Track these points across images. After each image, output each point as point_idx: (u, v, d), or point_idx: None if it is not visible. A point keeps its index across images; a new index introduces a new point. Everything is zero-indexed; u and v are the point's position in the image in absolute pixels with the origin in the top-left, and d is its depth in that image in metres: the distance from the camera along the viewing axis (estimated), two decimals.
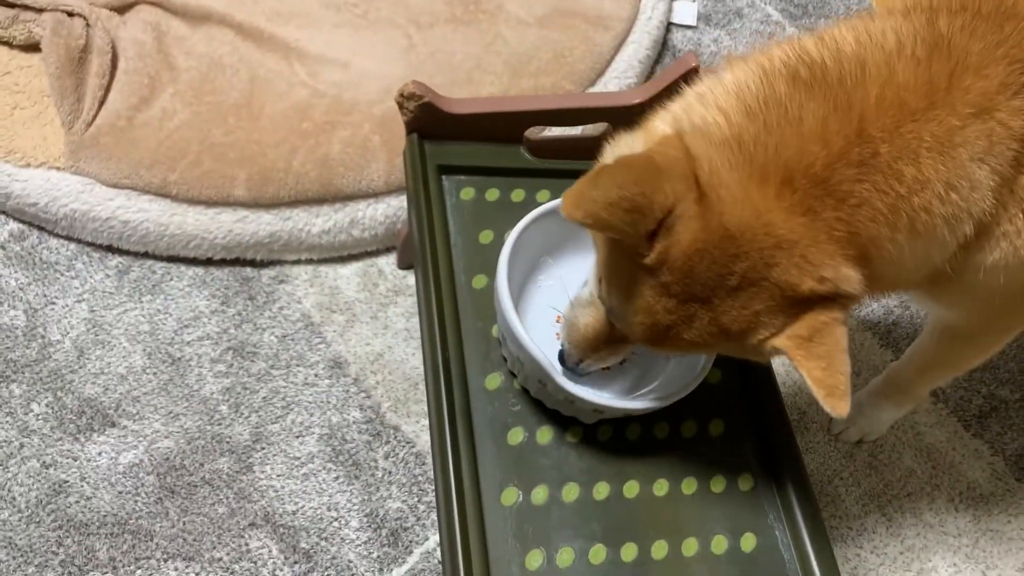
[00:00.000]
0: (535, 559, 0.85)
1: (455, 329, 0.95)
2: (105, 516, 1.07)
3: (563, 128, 1.12)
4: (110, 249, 1.26)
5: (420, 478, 1.13)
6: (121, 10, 1.34)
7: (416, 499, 1.12)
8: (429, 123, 1.05)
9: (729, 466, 0.94)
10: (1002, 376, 1.28)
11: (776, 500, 0.92)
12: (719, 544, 0.89)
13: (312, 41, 1.34)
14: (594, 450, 0.92)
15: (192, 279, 1.25)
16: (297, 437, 1.15)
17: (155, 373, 1.17)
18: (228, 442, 1.14)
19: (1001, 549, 1.14)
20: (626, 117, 1.09)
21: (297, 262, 1.28)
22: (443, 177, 1.06)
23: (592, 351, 0.85)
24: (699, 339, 0.74)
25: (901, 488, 1.17)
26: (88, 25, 1.28)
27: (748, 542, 0.90)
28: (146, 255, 1.26)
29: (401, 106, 1.03)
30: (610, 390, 0.94)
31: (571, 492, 0.89)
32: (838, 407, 0.68)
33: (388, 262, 1.30)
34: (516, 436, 0.91)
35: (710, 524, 0.90)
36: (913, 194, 0.68)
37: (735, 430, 0.96)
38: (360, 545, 1.08)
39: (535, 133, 1.10)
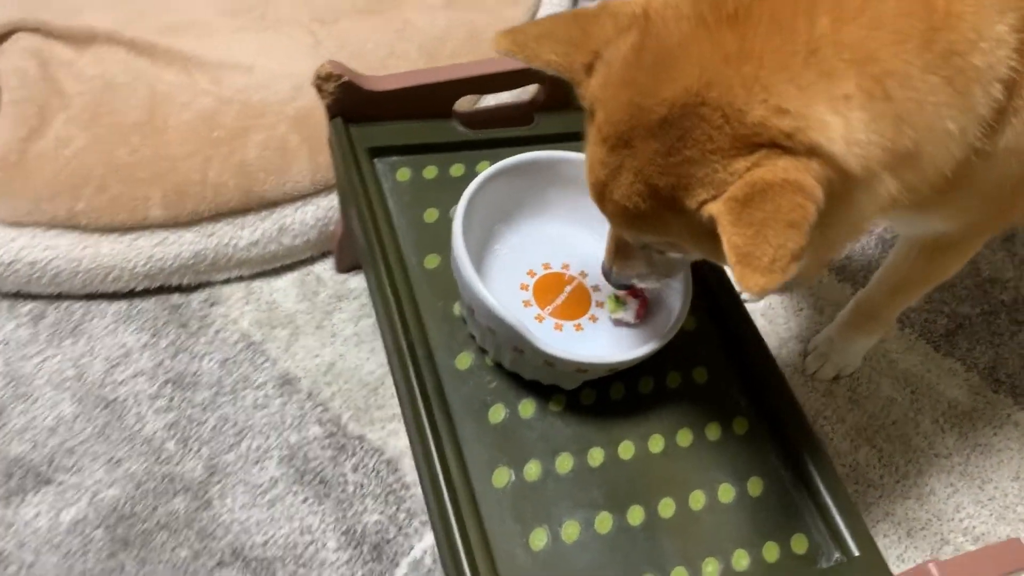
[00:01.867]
0: (539, 538, 0.79)
1: (414, 312, 0.88)
2: None
3: (495, 97, 1.08)
4: (19, 296, 1.15)
5: (395, 486, 1.06)
6: None
7: (394, 508, 1.04)
8: (352, 104, 0.98)
9: (721, 412, 0.89)
10: (960, 294, 1.27)
11: (776, 440, 0.88)
12: (726, 492, 0.84)
13: (211, 49, 1.26)
14: (581, 416, 0.86)
15: (116, 315, 1.16)
16: (255, 463, 1.06)
17: (88, 419, 1.07)
18: (181, 480, 1.04)
19: (992, 462, 1.12)
20: (558, 78, 1.05)
21: (228, 281, 1.19)
22: (375, 160, 0.99)
23: (615, 254, 0.78)
24: (630, 201, 0.64)
25: (885, 418, 1.15)
26: None
27: (755, 486, 0.85)
28: (61, 296, 1.16)
29: (320, 89, 0.97)
30: (588, 351, 0.89)
31: (565, 463, 0.83)
32: (748, 278, 0.55)
33: (326, 268, 1.22)
34: (497, 413, 0.85)
35: (713, 473, 0.85)
36: (947, 28, 0.58)
37: (720, 376, 0.92)
38: (342, 566, 1.00)
39: (466, 106, 1.04)
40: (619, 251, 0.80)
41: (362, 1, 1.35)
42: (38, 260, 1.11)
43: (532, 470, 0.82)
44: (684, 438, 0.87)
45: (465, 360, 0.87)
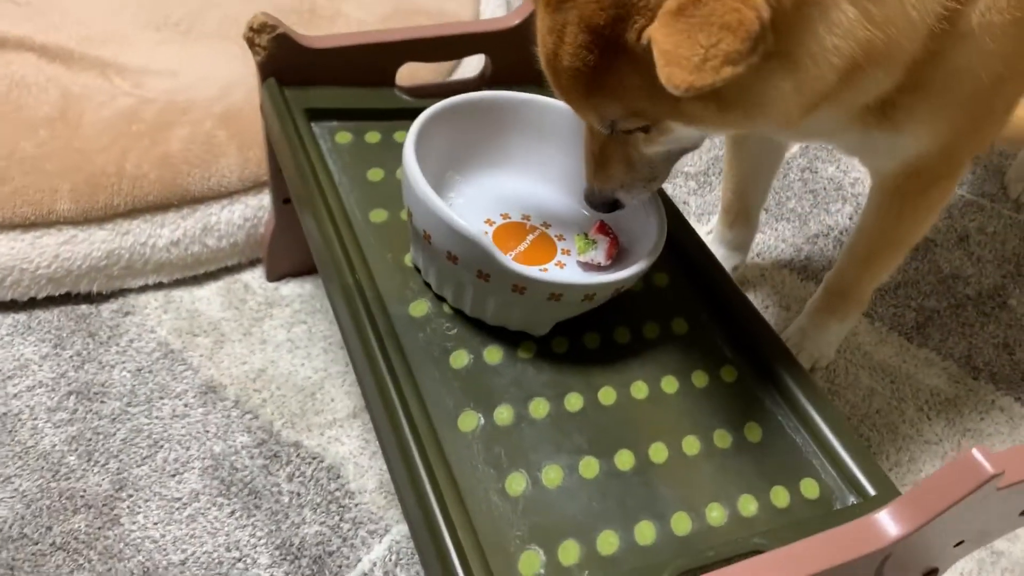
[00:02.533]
0: (517, 482, 0.67)
1: (361, 260, 0.79)
2: None
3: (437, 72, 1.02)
4: None
5: (337, 494, 0.92)
6: None
7: (337, 518, 0.90)
8: (287, 64, 0.91)
9: (706, 360, 0.80)
10: (925, 289, 1.23)
11: (769, 386, 0.79)
12: (722, 438, 0.74)
13: (133, 57, 1.18)
14: (553, 363, 0.76)
15: (12, 327, 1.02)
16: (172, 476, 0.91)
17: None
18: (82, 496, 0.88)
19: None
20: (505, 44, 1.01)
21: (144, 289, 1.07)
22: (312, 124, 0.91)
23: (593, 167, 0.72)
24: (579, 58, 0.61)
25: (868, 407, 1.07)
26: None
27: (753, 432, 0.75)
28: None
29: (251, 43, 0.90)
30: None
31: (539, 407, 0.72)
32: (675, 76, 0.52)
33: (255, 276, 1.11)
34: (460, 359, 0.74)
35: (705, 419, 0.75)
36: None
37: (700, 326, 0.83)
38: None
39: (408, 82, 0.98)
40: (596, 162, 0.74)
41: (295, 17, 1.30)
42: None
43: (503, 414, 0.71)
44: (669, 385, 0.77)
45: (420, 307, 0.77)
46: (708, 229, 1.27)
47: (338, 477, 0.93)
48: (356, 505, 0.91)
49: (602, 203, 0.76)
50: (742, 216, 1.13)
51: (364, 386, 0.72)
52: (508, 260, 0.70)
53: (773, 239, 1.28)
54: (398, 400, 0.68)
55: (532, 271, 0.71)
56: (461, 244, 0.70)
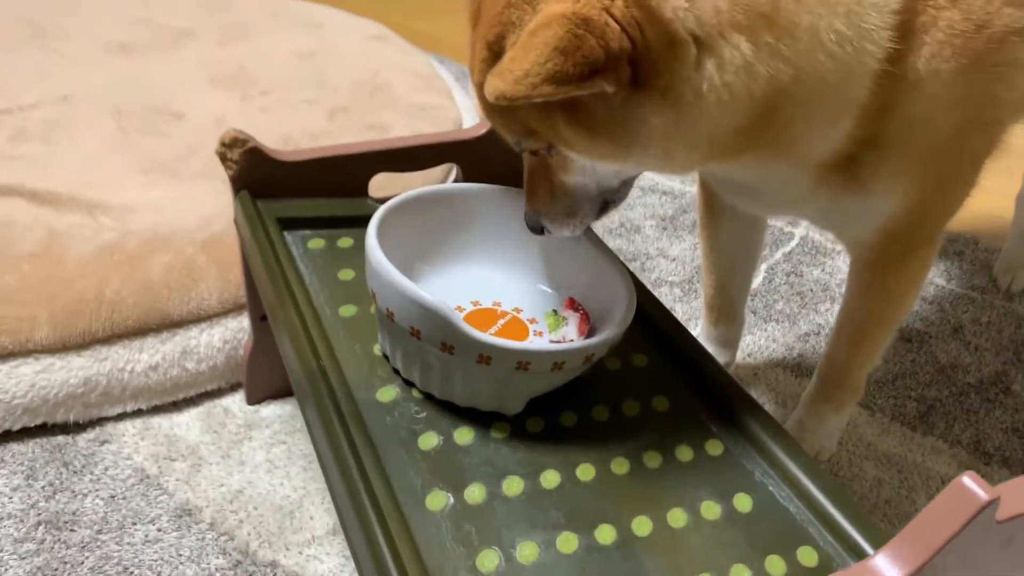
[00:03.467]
0: (488, 560, 0.62)
1: (327, 348, 0.77)
2: None
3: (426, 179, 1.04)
4: None
5: None
6: None
7: None
8: (259, 177, 0.93)
9: (690, 436, 0.77)
10: (924, 380, 1.19)
11: (757, 457, 0.75)
12: (710, 510, 0.70)
13: (118, 198, 1.22)
14: (528, 442, 0.73)
15: None
16: None
17: None
18: None
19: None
20: (472, 153, 1.04)
21: (122, 417, 1.05)
22: (285, 232, 0.93)
23: (526, 188, 0.74)
24: (481, 74, 0.64)
25: (877, 497, 1.02)
26: None
27: (743, 503, 0.71)
28: None
29: (224, 158, 0.92)
30: None
31: (514, 485, 0.69)
32: (490, 83, 0.56)
33: (235, 400, 1.09)
34: (429, 440, 0.71)
35: (691, 491, 0.71)
36: None
37: (682, 403, 0.81)
38: None
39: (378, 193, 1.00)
40: (528, 184, 0.76)
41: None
42: None
43: (475, 493, 0.67)
44: (652, 460, 0.74)
45: (388, 393, 0.75)
46: (696, 333, 1.25)
47: None
48: None
49: (531, 226, 0.78)
50: (726, 311, 1.11)
51: (326, 470, 0.69)
52: (471, 329, 0.69)
53: (764, 339, 1.26)
54: (360, 479, 0.65)
55: (497, 339, 0.69)
56: (423, 316, 0.69)
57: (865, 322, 0.95)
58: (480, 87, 0.66)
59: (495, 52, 0.63)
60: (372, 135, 1.47)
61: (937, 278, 1.40)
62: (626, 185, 0.77)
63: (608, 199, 0.77)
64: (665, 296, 1.33)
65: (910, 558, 0.54)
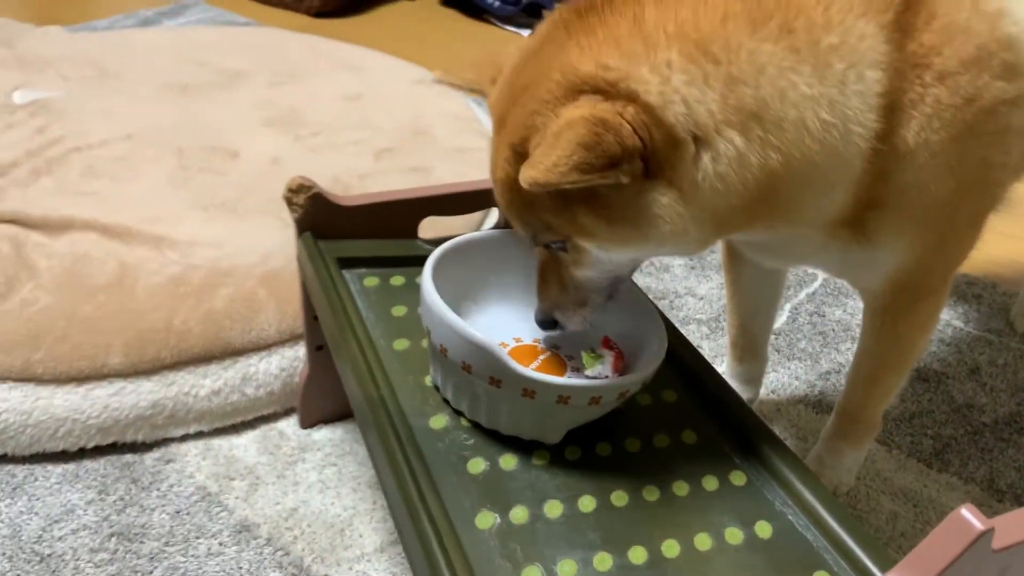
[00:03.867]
0: (533, 575, 0.69)
1: (384, 378, 0.85)
2: None
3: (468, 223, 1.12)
4: None
5: None
6: None
7: None
8: (321, 220, 1.02)
9: (716, 467, 0.84)
10: (940, 418, 1.25)
11: (778, 488, 0.82)
12: (733, 535, 0.76)
13: (183, 233, 1.31)
14: (566, 469, 0.80)
15: (61, 476, 1.08)
16: None
17: (17, 575, 0.95)
18: None
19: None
20: None
21: (185, 438, 1.13)
22: (343, 270, 1.01)
23: (538, 284, 0.80)
24: (504, 171, 0.72)
25: (892, 530, 1.07)
26: None
27: (764, 530, 0.78)
28: (4, 458, 1.08)
29: (290, 202, 1.01)
30: None
31: (554, 508, 0.76)
32: (524, 172, 0.64)
33: (289, 424, 1.17)
34: (477, 466, 0.79)
35: (716, 518, 0.78)
36: (792, 10, 0.67)
37: (709, 437, 0.87)
38: None
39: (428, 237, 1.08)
40: (540, 280, 0.83)
41: (331, 183, 1.44)
42: None
43: (519, 514, 0.75)
44: (680, 488, 0.81)
45: (439, 421, 0.83)
46: (721, 370, 1.31)
47: None
48: None
49: (542, 321, 0.83)
50: (749, 349, 1.18)
51: (386, 488, 0.76)
52: (518, 365, 0.76)
53: (786, 377, 1.32)
54: (418, 498, 0.72)
55: (541, 375, 0.77)
56: (473, 353, 0.77)
57: (878, 364, 1.01)
58: (502, 183, 0.75)
59: (518, 153, 0.71)
60: (416, 176, 1.55)
61: (955, 320, 1.46)
62: (632, 272, 0.85)
63: (615, 287, 0.84)
64: (693, 333, 1.40)
65: None
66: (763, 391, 1.27)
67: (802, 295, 1.50)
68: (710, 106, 0.67)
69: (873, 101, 0.71)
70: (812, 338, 1.40)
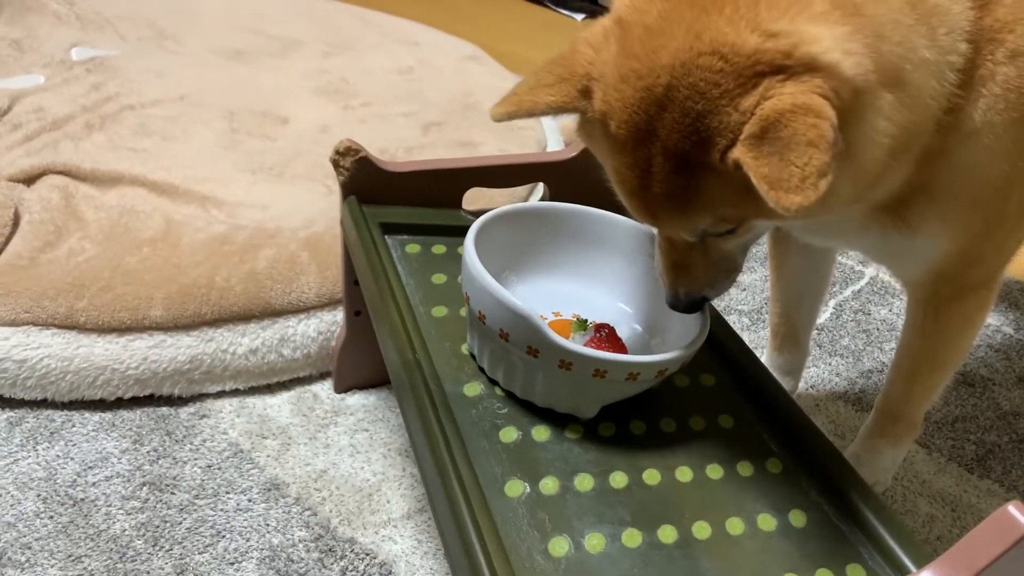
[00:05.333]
0: (560, 546, 0.69)
1: (421, 343, 0.85)
2: None
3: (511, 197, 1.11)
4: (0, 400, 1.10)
5: None
6: (28, 182, 1.30)
7: None
8: (366, 184, 1.02)
9: (751, 452, 0.82)
10: (984, 424, 1.22)
11: (813, 479, 0.80)
12: (766, 522, 0.75)
13: (229, 194, 1.32)
14: (599, 444, 0.79)
15: (98, 423, 1.09)
16: (231, 564, 0.94)
17: (51, 517, 0.97)
18: None
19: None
20: (562, 173, 1.10)
21: (220, 395, 1.14)
22: (386, 236, 1.00)
23: (674, 275, 0.76)
24: (669, 184, 0.65)
25: (928, 533, 1.05)
26: None
27: (798, 518, 0.76)
28: (44, 403, 1.10)
29: (337, 164, 1.01)
30: None
31: (585, 482, 0.75)
32: (784, 199, 0.56)
33: (323, 387, 1.18)
34: (509, 435, 0.78)
35: (750, 504, 0.77)
36: None
37: (746, 422, 0.86)
38: None
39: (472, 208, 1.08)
40: (678, 271, 0.78)
41: None
42: (28, 359, 1.07)
43: (549, 485, 0.74)
44: (714, 472, 0.79)
45: (474, 388, 0.82)
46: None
47: (390, 573, 0.95)
48: None
49: (689, 306, 0.79)
50: (790, 339, 1.16)
51: (419, 453, 0.76)
52: (555, 335, 0.75)
53: (827, 373, 1.29)
54: (449, 461, 0.72)
55: (579, 346, 0.76)
56: (512, 321, 0.76)
57: (920, 359, 0.98)
58: (667, 196, 0.67)
59: (687, 161, 0.63)
60: (463, 151, 1.55)
61: (1005, 327, 1.42)
62: None
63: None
64: (734, 324, 1.38)
65: None
66: (803, 386, 1.25)
67: (847, 292, 1.47)
68: (868, 60, 0.61)
69: (955, 74, 0.68)
70: (856, 336, 1.37)
